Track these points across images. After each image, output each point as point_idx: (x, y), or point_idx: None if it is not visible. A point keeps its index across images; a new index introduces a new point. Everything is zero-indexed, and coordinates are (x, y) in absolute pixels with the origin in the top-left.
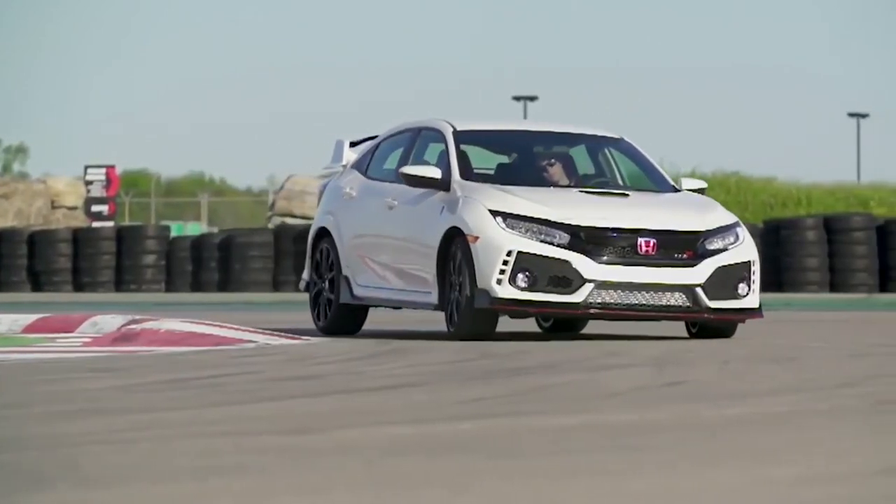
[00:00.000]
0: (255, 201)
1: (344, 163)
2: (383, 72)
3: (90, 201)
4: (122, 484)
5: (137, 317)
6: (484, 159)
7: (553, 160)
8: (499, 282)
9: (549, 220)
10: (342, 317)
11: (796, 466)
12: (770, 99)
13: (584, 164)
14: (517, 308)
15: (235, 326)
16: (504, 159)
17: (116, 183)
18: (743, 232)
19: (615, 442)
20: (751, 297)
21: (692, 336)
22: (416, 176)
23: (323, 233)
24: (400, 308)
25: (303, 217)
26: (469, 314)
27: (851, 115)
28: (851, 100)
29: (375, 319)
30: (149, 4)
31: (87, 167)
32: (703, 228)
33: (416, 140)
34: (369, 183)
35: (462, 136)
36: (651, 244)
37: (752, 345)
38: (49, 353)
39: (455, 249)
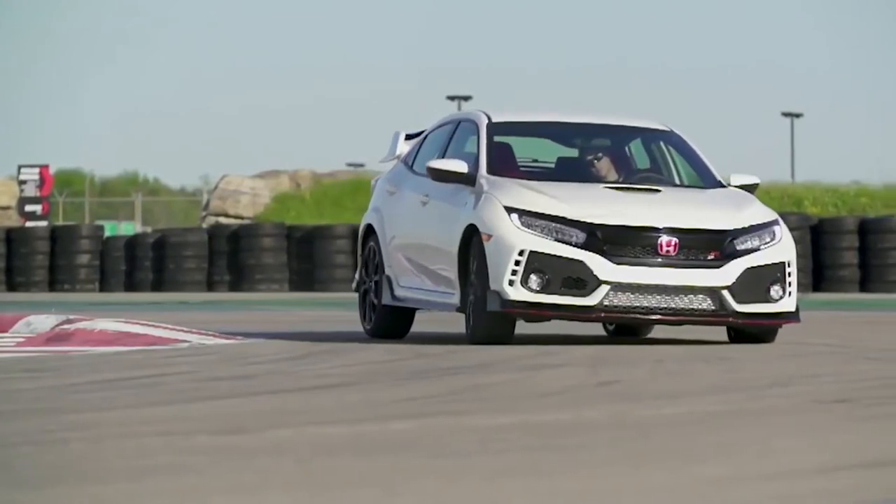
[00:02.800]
0: (188, 201)
1: (398, 155)
2: (316, 72)
3: (24, 201)
4: (55, 485)
5: (71, 316)
6: (548, 151)
7: (600, 154)
8: (511, 283)
9: (566, 218)
10: (386, 319)
11: (728, 466)
12: (703, 98)
13: (636, 158)
14: (529, 311)
15: (169, 326)
16: (569, 152)
17: (50, 182)
18: (781, 230)
19: (548, 441)
20: (786, 300)
21: (732, 340)
22: (441, 170)
23: (369, 230)
24: (430, 310)
25: (236, 217)
26: (482, 318)
27: (785, 114)
28: (785, 99)
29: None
30: (77, 2)
31: (20, 167)
32: (731, 227)
33: (454, 132)
34: (411, 177)
35: (498, 128)
36: (673, 244)
37: (686, 345)
38: None
39: (473, 249)
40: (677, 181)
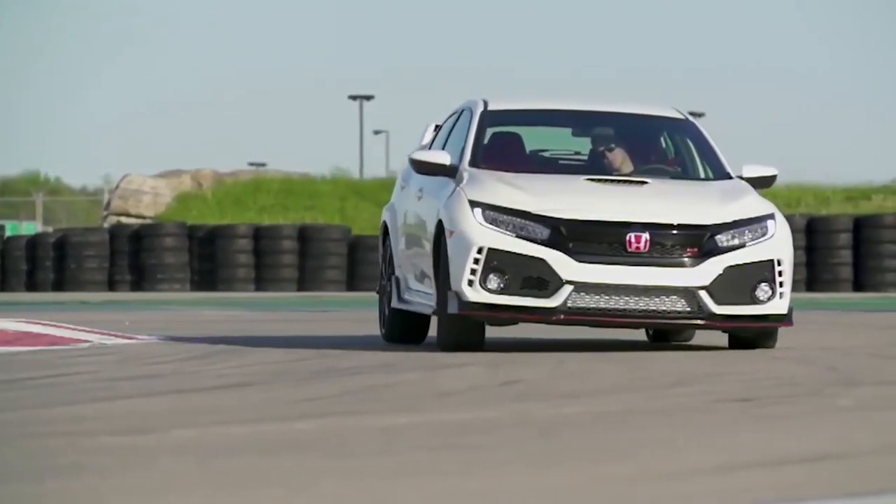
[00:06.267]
0: (90, 201)
1: (424, 146)
2: (217, 71)
3: None
4: None
5: None
6: (564, 142)
7: (612, 145)
8: (470, 283)
9: (529, 213)
10: (397, 323)
11: (629, 465)
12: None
13: (648, 149)
14: (488, 314)
15: (70, 326)
16: (580, 142)
17: None
18: (776, 225)
19: (449, 441)
20: (775, 301)
21: (730, 346)
22: (423, 162)
23: (386, 229)
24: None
25: (138, 216)
26: (444, 322)
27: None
28: (686, 100)
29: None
30: None
31: None
32: (711, 222)
33: (457, 121)
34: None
35: (496, 116)
36: (643, 240)
37: (589, 345)
38: None
39: (441, 247)
40: (693, 173)
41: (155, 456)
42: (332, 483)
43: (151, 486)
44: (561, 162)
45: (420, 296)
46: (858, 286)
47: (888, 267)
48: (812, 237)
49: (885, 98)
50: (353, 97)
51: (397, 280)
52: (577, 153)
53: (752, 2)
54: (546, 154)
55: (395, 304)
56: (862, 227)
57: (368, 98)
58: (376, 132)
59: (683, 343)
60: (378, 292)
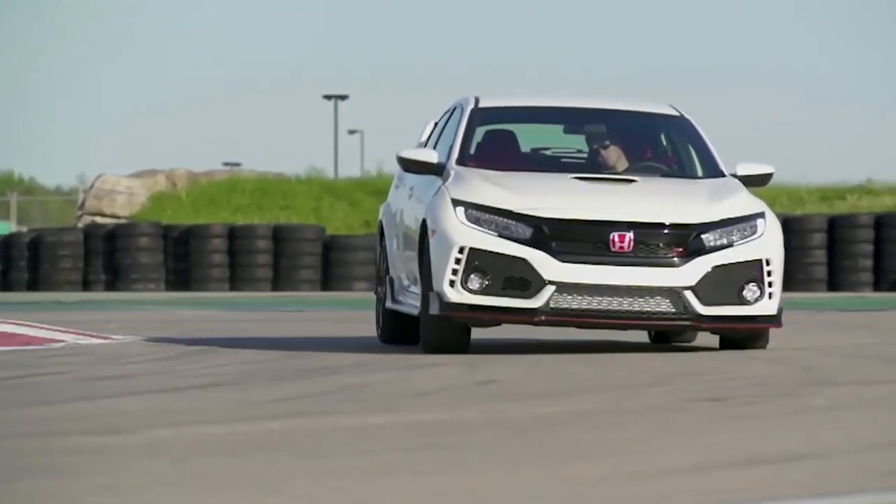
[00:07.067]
0: (64, 200)
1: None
2: (192, 70)
3: None
4: None
5: None
6: (558, 140)
7: (607, 142)
8: (451, 284)
9: (511, 212)
10: (392, 324)
11: (603, 465)
12: None
13: (644, 146)
14: (470, 314)
15: (45, 326)
16: (575, 140)
17: None
18: (765, 224)
19: (425, 441)
20: (764, 302)
21: (722, 346)
22: (409, 160)
23: (382, 229)
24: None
25: (112, 216)
26: (427, 323)
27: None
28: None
29: None
30: None
31: None
32: (698, 221)
33: (449, 119)
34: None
35: (486, 114)
36: (626, 239)
37: (564, 345)
38: None
39: (425, 246)
40: (688, 171)
41: (129, 456)
42: (307, 483)
43: (125, 487)
44: (557, 160)
45: (412, 296)
46: (833, 286)
47: (862, 267)
48: (787, 237)
49: (860, 98)
50: (328, 97)
51: (391, 280)
52: (579, 151)
53: (720, 1)
54: (547, 152)
55: (389, 304)
56: (836, 227)
57: (343, 98)
58: (351, 132)
59: (684, 344)
60: (375, 293)
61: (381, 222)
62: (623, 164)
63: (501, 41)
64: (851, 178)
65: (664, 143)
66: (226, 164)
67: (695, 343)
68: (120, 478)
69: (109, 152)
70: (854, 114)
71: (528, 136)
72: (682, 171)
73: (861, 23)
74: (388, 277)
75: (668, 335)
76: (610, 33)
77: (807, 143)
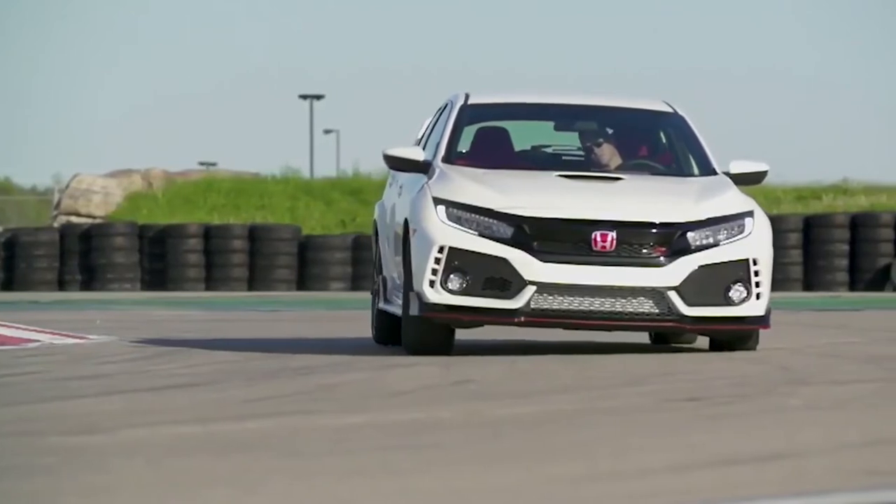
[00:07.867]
0: (40, 200)
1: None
2: (167, 70)
3: None
4: None
5: None
6: (550, 137)
7: (601, 140)
8: (431, 284)
9: (492, 210)
10: (384, 325)
11: (580, 465)
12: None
13: (637, 143)
14: (449, 315)
15: (20, 326)
16: (569, 137)
17: None
18: (754, 223)
19: (401, 441)
20: (751, 302)
21: (711, 348)
22: (395, 157)
23: (376, 228)
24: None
25: (88, 216)
26: (408, 324)
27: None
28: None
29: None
30: None
31: None
32: (683, 220)
33: (440, 116)
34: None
35: (476, 111)
36: (609, 238)
37: (543, 346)
38: None
39: (406, 245)
40: (680, 169)
41: (105, 456)
42: (283, 483)
43: (101, 487)
44: (551, 158)
45: (401, 297)
46: (809, 286)
47: (838, 266)
48: None
49: (836, 98)
50: (304, 96)
51: (384, 280)
52: (577, 148)
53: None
54: (541, 150)
55: (381, 304)
56: (812, 227)
57: (319, 97)
58: (326, 131)
59: (685, 345)
60: (371, 293)
61: (375, 222)
62: (617, 161)
63: (481, 40)
64: (827, 178)
65: (662, 139)
66: (201, 163)
67: (685, 344)
68: (97, 478)
69: (85, 152)
70: (830, 114)
71: (519, 134)
72: (677, 168)
73: (837, 24)
74: (381, 277)
75: (667, 336)
76: (602, 33)
77: (783, 143)
